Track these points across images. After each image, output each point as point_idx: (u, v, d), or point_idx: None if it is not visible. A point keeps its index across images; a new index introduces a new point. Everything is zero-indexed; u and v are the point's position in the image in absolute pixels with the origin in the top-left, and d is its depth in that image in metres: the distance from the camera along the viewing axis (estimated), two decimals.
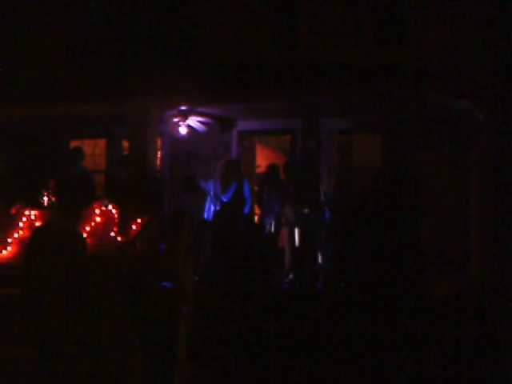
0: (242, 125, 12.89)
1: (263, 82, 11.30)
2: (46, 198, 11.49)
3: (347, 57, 11.81)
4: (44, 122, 13.13)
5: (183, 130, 12.07)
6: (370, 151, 12.14)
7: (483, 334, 9.03)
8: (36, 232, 6.47)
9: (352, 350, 8.66)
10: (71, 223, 6.33)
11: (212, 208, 11.36)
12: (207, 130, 12.49)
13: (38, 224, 10.65)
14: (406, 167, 10.23)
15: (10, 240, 10.96)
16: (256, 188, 12.29)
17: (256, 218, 12.26)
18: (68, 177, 11.32)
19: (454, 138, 11.60)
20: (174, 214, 9.10)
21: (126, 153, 12.80)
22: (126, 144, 13.11)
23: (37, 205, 11.42)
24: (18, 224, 11.11)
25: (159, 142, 12.73)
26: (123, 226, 10.63)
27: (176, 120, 11.96)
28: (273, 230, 11.29)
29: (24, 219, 11.15)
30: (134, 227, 10.58)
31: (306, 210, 11.05)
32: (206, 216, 11.41)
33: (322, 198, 11.33)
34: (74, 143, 13.70)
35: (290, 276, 11.06)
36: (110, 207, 10.93)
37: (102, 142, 14.13)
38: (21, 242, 10.74)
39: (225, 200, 11.14)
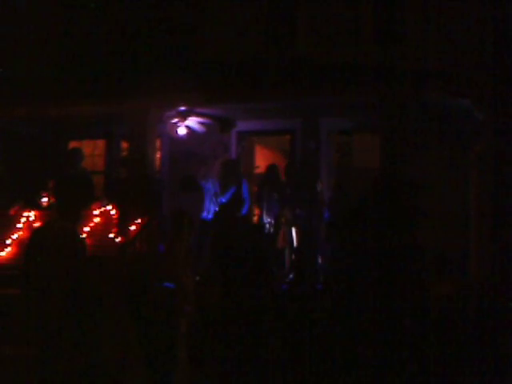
0: (242, 125, 12.89)
1: (262, 82, 11.29)
2: (44, 199, 11.47)
3: (347, 56, 11.80)
4: (43, 123, 13.12)
5: (182, 131, 12.07)
6: (370, 151, 12.13)
7: (483, 334, 9.02)
8: (35, 233, 6.45)
9: (352, 350, 8.65)
10: (70, 224, 6.31)
11: (212, 208, 11.36)
12: (206, 130, 12.49)
13: (37, 225, 10.64)
14: (405, 167, 10.23)
15: (9, 241, 10.94)
16: (255, 188, 12.28)
17: (255, 218, 12.25)
18: (67, 177, 11.27)
19: (454, 137, 11.59)
20: (174, 215, 9.10)
21: (125, 153, 12.80)
22: (125, 145, 13.11)
23: (36, 205, 11.40)
24: (16, 225, 11.09)
25: (158, 143, 12.73)
26: (122, 227, 10.62)
27: (175, 120, 11.96)
28: (272, 230, 11.28)
29: (23, 220, 11.13)
30: (133, 228, 10.57)
31: (298, 211, 11.05)
32: (205, 216, 11.41)
33: (319, 197, 11.32)
34: (73, 144, 13.69)
35: (290, 276, 11.05)
36: (109, 208, 10.93)
37: (101, 143, 14.13)
38: (20, 242, 10.73)
39: (223, 201, 11.14)
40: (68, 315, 5.78)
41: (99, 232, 10.69)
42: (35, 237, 6.32)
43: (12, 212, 11.33)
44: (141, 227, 10.50)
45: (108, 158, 13.87)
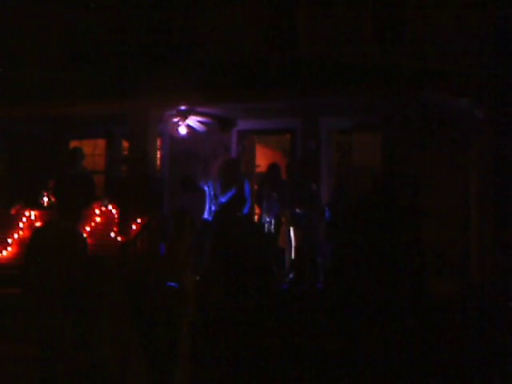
0: (242, 124, 12.90)
1: (263, 81, 11.30)
2: (45, 199, 11.48)
3: (347, 56, 11.81)
4: (44, 122, 13.13)
5: (183, 130, 12.07)
6: (370, 151, 12.15)
7: (483, 334, 9.03)
8: (36, 232, 6.46)
9: (352, 350, 8.66)
10: (71, 223, 6.32)
11: (212, 208, 11.37)
12: (207, 129, 12.50)
13: (37, 224, 10.65)
14: (405, 167, 10.23)
15: (9, 240, 10.95)
16: (256, 187, 12.29)
17: (256, 217, 12.26)
18: (67, 177, 11.26)
19: (454, 137, 11.59)
20: (175, 215, 9.10)
21: (125, 153, 12.80)
22: (125, 144, 13.12)
23: (37, 205, 11.40)
24: (17, 224, 11.09)
25: (159, 142, 12.73)
26: (123, 226, 10.62)
27: (176, 120, 11.97)
28: (272, 229, 11.29)
29: (24, 219, 11.14)
30: (133, 227, 10.57)
31: (298, 210, 11.06)
32: (206, 216, 11.42)
33: (317, 197, 11.33)
34: (73, 143, 13.70)
35: (290, 276, 11.06)
36: (109, 207, 10.93)
37: (101, 142, 14.14)
38: (21, 242, 10.74)
39: (223, 201, 11.15)
40: (69, 315, 5.79)
41: (100, 231, 10.69)
42: (36, 236, 6.33)
43: (13, 211, 11.33)
44: (142, 227, 10.50)
45: (108, 158, 13.88)
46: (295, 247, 11.11)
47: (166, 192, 12.24)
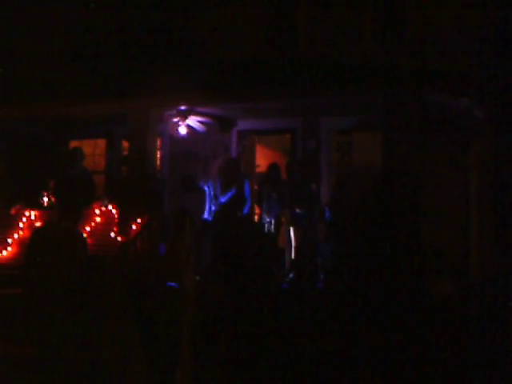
0: (242, 124, 12.91)
1: (263, 81, 11.30)
2: (45, 199, 11.48)
3: (347, 56, 11.81)
4: (44, 123, 13.14)
5: (183, 130, 12.08)
6: (370, 150, 12.14)
7: (484, 334, 9.03)
8: (36, 232, 6.46)
9: (352, 350, 8.66)
10: (71, 223, 6.33)
11: (212, 208, 11.38)
12: (207, 129, 12.51)
13: (37, 224, 10.65)
14: (405, 167, 10.23)
15: (9, 240, 10.96)
16: (256, 187, 12.29)
17: (256, 217, 12.26)
18: (68, 177, 11.30)
19: (454, 137, 11.60)
20: (175, 215, 9.12)
21: (125, 153, 12.81)
22: (125, 144, 13.12)
23: (37, 205, 11.41)
24: (17, 224, 11.10)
25: (159, 142, 12.74)
26: (123, 226, 10.62)
27: (176, 120, 11.98)
28: (272, 229, 11.29)
29: (24, 220, 11.14)
30: (134, 227, 10.57)
31: (298, 210, 11.06)
32: (206, 216, 11.43)
33: (316, 197, 11.34)
34: (73, 143, 13.72)
35: (290, 276, 11.06)
36: (109, 207, 10.93)
37: (101, 142, 14.15)
38: (21, 242, 10.74)
39: (223, 201, 11.16)
40: (69, 315, 5.79)
41: (100, 232, 10.69)
42: (36, 236, 6.34)
43: (13, 211, 11.33)
44: (142, 227, 10.51)
45: (109, 158, 13.89)
46: (295, 247, 11.12)
47: (166, 192, 12.25)
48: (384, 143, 10.66)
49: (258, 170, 13.64)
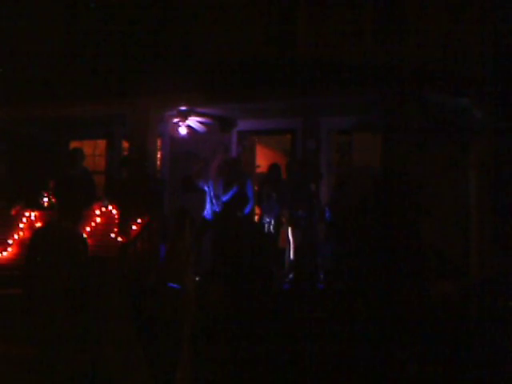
0: (242, 125, 12.91)
1: (263, 81, 11.30)
2: (46, 199, 11.48)
3: (347, 56, 11.81)
4: (44, 123, 13.14)
5: (183, 130, 12.09)
6: (370, 151, 12.13)
7: (484, 334, 9.03)
8: (36, 233, 6.48)
9: (353, 350, 8.66)
10: (71, 224, 6.34)
11: (212, 208, 11.39)
12: (207, 130, 12.51)
13: (38, 225, 10.65)
14: (405, 166, 10.24)
15: (10, 241, 10.95)
16: (256, 188, 12.30)
17: (256, 218, 12.27)
18: (68, 178, 11.31)
19: (454, 137, 11.60)
20: (175, 214, 9.11)
21: (126, 153, 12.82)
22: (125, 144, 13.13)
23: (37, 206, 11.40)
24: (18, 225, 11.08)
25: (159, 143, 12.74)
26: (123, 227, 10.61)
27: (176, 120, 11.99)
28: (272, 230, 11.29)
29: (24, 220, 11.13)
30: (134, 228, 10.57)
31: (300, 211, 11.06)
32: (206, 216, 11.44)
33: (316, 197, 11.34)
34: (73, 144, 13.71)
35: (291, 276, 11.06)
36: (110, 208, 10.93)
37: (101, 143, 14.15)
38: (21, 243, 10.73)
39: (224, 200, 11.18)
40: (69, 315, 5.80)
41: (100, 232, 10.68)
42: (36, 237, 6.34)
43: (13, 212, 11.32)
44: (142, 227, 10.51)
45: (109, 158, 13.89)
46: (295, 247, 11.12)
47: (166, 192, 12.25)
48: (384, 143, 10.67)
49: (258, 170, 13.64)
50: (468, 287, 10.69)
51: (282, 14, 13.11)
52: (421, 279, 9.87)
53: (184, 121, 11.95)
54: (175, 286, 6.78)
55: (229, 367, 8.16)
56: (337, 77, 10.96)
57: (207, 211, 11.47)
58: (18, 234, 10.99)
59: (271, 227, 11.27)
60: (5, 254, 10.88)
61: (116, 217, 10.85)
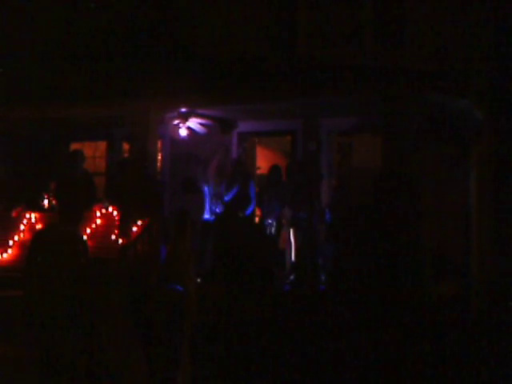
0: (243, 126, 12.91)
1: (263, 83, 11.30)
2: (46, 201, 11.48)
3: (347, 57, 11.81)
4: (44, 125, 13.13)
5: (183, 132, 12.09)
6: (370, 152, 12.13)
7: (484, 334, 9.03)
8: (37, 235, 6.48)
9: (353, 351, 8.66)
10: (72, 226, 6.34)
11: (213, 209, 11.39)
12: (207, 131, 12.51)
13: (38, 227, 10.66)
14: (406, 168, 10.24)
15: (10, 243, 10.96)
16: (257, 189, 12.30)
17: (256, 219, 12.27)
18: (68, 179, 11.32)
19: (454, 137, 11.60)
20: (176, 216, 9.10)
21: (126, 155, 12.82)
22: (126, 146, 13.13)
23: (38, 207, 11.41)
24: (18, 227, 11.10)
25: (159, 144, 12.74)
26: (124, 229, 10.62)
27: (176, 122, 11.99)
28: (273, 231, 11.30)
29: (25, 222, 11.14)
30: (134, 229, 10.58)
31: (302, 212, 11.06)
32: (207, 217, 11.44)
33: (316, 198, 11.35)
34: (74, 146, 13.70)
35: (291, 277, 11.06)
36: (110, 209, 10.94)
37: (102, 145, 14.15)
38: (21, 244, 10.74)
39: (226, 199, 11.20)
40: (70, 317, 5.80)
41: (101, 234, 10.69)
42: (37, 239, 6.35)
43: (14, 214, 11.33)
44: (142, 229, 10.52)
45: (109, 160, 13.89)
46: (296, 248, 11.12)
47: (166, 194, 12.26)
48: (384, 144, 10.67)
49: (259, 171, 13.64)
50: (468, 287, 10.70)
51: (283, 15, 13.11)
52: (421, 280, 9.87)
53: (184, 122, 11.95)
54: (176, 286, 6.78)
55: (229, 368, 8.16)
56: (337, 78, 10.96)
57: (207, 213, 11.47)
58: (19, 236, 11.00)
59: (272, 228, 11.27)
60: (5, 255, 10.90)
61: (116, 218, 10.86)
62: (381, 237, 10.02)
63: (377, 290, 9.64)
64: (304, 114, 12.50)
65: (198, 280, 9.43)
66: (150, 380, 6.05)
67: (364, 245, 10.26)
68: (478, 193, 11.71)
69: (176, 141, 12.58)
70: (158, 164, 12.88)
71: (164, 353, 6.36)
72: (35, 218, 11.14)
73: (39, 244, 6.25)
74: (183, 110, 11.77)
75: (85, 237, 9.80)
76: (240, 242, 10.76)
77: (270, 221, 11.29)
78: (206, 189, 11.51)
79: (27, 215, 11.19)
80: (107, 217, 10.90)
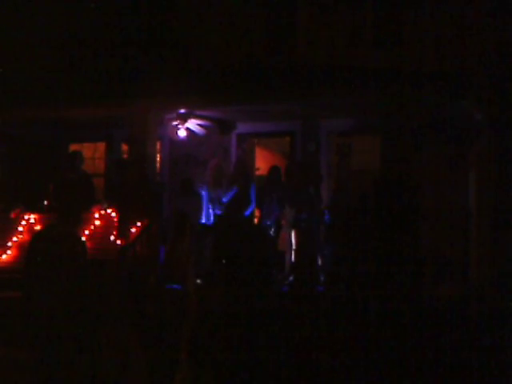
0: (242, 127, 12.91)
1: (262, 84, 11.29)
2: (45, 202, 11.47)
3: (347, 58, 11.82)
4: (43, 126, 13.13)
5: (182, 133, 12.08)
6: (370, 153, 12.13)
7: (484, 335, 9.01)
8: (36, 236, 6.48)
9: (352, 352, 8.64)
10: (71, 227, 6.34)
11: (211, 211, 11.39)
12: (206, 132, 12.50)
13: (37, 228, 10.63)
14: (405, 168, 10.23)
15: (9, 244, 10.93)
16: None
17: (255, 220, 12.26)
18: (67, 181, 11.31)
19: (454, 138, 11.59)
20: (176, 217, 9.12)
21: (124, 156, 12.82)
22: (125, 147, 13.13)
23: (36, 209, 11.39)
24: (17, 228, 11.08)
25: (158, 145, 12.73)
26: (123, 230, 10.60)
27: (175, 123, 11.98)
28: (272, 232, 11.29)
29: (23, 223, 11.12)
30: (133, 230, 10.57)
31: (303, 213, 11.05)
32: (205, 218, 11.43)
33: (315, 200, 11.33)
34: (73, 147, 13.71)
35: (290, 278, 11.05)
36: (109, 211, 10.92)
37: (101, 146, 14.15)
38: (20, 245, 10.71)
39: (224, 200, 11.19)
40: (69, 317, 5.80)
41: (100, 235, 10.67)
42: (36, 240, 6.34)
43: (13, 215, 11.31)
44: (141, 230, 10.51)
45: (108, 161, 13.88)
46: (295, 250, 11.11)
47: (165, 195, 12.25)
48: (383, 145, 10.66)
49: (258, 172, 13.64)
50: (468, 288, 10.69)
51: (282, 17, 13.12)
52: (421, 281, 9.86)
53: (183, 123, 11.94)
54: (175, 287, 6.77)
55: (228, 369, 8.14)
56: (336, 79, 10.95)
57: (205, 215, 11.46)
58: (18, 237, 10.98)
59: (271, 230, 11.26)
60: (4, 256, 10.87)
61: (115, 220, 10.84)
62: (380, 238, 10.01)
63: (376, 292, 9.63)
64: (303, 114, 12.49)
65: (198, 281, 9.42)
66: (149, 381, 6.04)
67: (363, 246, 10.25)
68: (478, 193, 11.71)
69: (175, 142, 12.58)
70: (157, 165, 12.87)
71: (163, 353, 6.35)
72: (34, 219, 11.11)
73: (38, 245, 6.25)
74: (182, 111, 11.76)
75: (83, 238, 9.81)
76: (239, 243, 10.73)
77: (268, 222, 11.28)
78: (203, 193, 11.51)
79: (26, 216, 11.16)
80: (106, 218, 10.88)
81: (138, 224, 10.58)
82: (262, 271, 10.61)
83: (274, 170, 11.68)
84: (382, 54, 12.07)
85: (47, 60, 13.53)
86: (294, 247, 11.12)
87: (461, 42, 11.67)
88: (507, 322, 9.29)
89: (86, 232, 10.56)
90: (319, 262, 11.16)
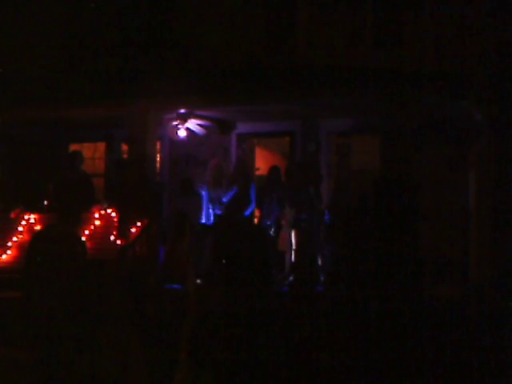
0: (241, 127, 12.91)
1: (262, 84, 11.29)
2: (45, 202, 11.47)
3: (346, 59, 11.82)
4: (43, 126, 13.13)
5: (182, 133, 12.08)
6: (369, 153, 12.13)
7: (484, 335, 9.02)
8: (36, 236, 6.48)
9: (352, 352, 8.65)
10: (71, 227, 6.34)
11: (211, 211, 11.39)
12: (206, 132, 12.51)
13: (37, 228, 10.63)
14: (405, 168, 10.23)
15: (9, 244, 10.93)
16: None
17: (255, 220, 12.26)
18: (67, 181, 11.31)
19: (454, 138, 11.60)
20: (176, 217, 9.13)
21: (124, 156, 12.82)
22: (125, 147, 13.13)
23: (36, 209, 11.39)
24: (17, 228, 11.07)
25: (158, 145, 12.74)
26: (123, 230, 10.61)
27: (175, 123, 11.98)
28: (272, 232, 11.29)
29: (23, 223, 11.11)
30: (133, 230, 10.57)
31: (303, 214, 11.05)
32: (205, 218, 11.43)
33: (315, 200, 11.33)
34: (73, 147, 13.71)
35: (290, 278, 11.05)
36: (109, 211, 10.92)
37: (101, 146, 14.15)
38: (20, 246, 10.71)
39: (224, 200, 11.19)
40: (68, 317, 5.79)
41: (100, 235, 10.67)
42: (36, 240, 6.35)
43: (13, 215, 11.31)
44: (141, 230, 10.51)
45: (108, 161, 13.89)
46: (295, 250, 11.11)
47: (165, 195, 12.25)
48: (383, 145, 10.66)
49: (258, 172, 13.64)
50: (468, 288, 10.69)
51: (282, 17, 13.12)
52: (421, 281, 9.86)
53: (183, 123, 11.94)
54: (175, 287, 6.78)
55: (228, 369, 8.14)
56: (336, 79, 10.95)
57: (205, 215, 11.46)
58: (18, 237, 10.98)
59: (271, 230, 11.27)
60: (4, 256, 10.87)
61: (115, 220, 10.84)
62: (380, 238, 10.02)
63: (376, 292, 9.63)
64: (303, 115, 12.50)
65: (198, 281, 9.42)
66: (149, 380, 6.04)
67: (363, 246, 10.25)
68: (478, 193, 11.72)
69: (175, 142, 12.58)
70: (157, 165, 12.88)
71: (162, 354, 6.35)
72: (34, 219, 11.11)
73: (38, 245, 6.25)
74: (182, 111, 11.76)
75: (83, 238, 9.82)
76: (239, 243, 10.73)
77: (268, 222, 11.28)
78: (203, 193, 11.51)
79: (26, 216, 11.16)
80: (106, 218, 10.88)
81: (138, 224, 10.59)
82: (262, 271, 10.61)
83: (273, 170, 11.68)
84: (381, 54, 12.07)
85: (47, 60, 13.53)
86: (293, 247, 11.12)
87: (461, 42, 11.67)
88: (507, 322, 9.29)
89: (86, 232, 10.57)
90: (319, 262, 11.16)
